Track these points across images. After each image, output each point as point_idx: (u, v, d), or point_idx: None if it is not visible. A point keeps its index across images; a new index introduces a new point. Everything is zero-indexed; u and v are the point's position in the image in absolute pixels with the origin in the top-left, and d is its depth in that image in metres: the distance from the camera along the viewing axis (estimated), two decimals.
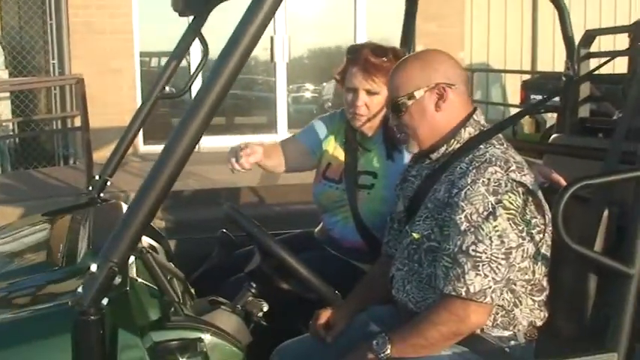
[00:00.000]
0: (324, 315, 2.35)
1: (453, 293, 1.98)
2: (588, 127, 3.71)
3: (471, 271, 1.96)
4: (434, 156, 2.20)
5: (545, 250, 2.11)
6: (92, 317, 1.70)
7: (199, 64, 3.33)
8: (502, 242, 1.97)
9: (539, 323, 2.15)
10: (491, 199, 1.98)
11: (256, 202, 6.68)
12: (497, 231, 1.97)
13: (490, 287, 1.97)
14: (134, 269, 2.08)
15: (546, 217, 2.09)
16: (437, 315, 2.01)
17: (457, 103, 2.18)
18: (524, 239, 2.02)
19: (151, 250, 2.08)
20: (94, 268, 1.70)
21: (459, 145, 2.16)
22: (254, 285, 2.22)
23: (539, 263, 2.11)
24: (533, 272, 2.10)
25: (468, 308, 1.98)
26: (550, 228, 2.10)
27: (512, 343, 2.10)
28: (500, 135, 2.18)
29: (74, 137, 8.65)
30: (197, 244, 3.16)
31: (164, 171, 1.70)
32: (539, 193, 2.08)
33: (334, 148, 3.06)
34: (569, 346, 2.09)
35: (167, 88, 3.16)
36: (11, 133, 8.74)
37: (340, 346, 2.29)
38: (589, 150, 2.85)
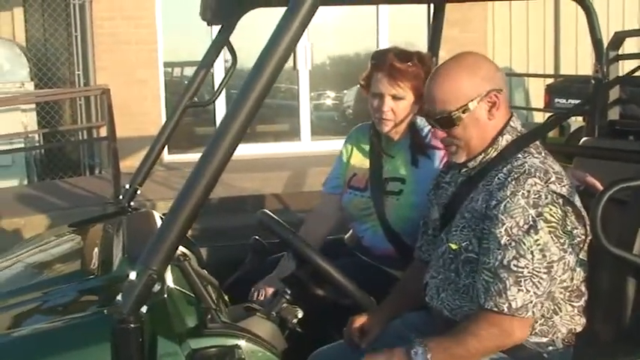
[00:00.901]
0: (359, 321, 2.34)
1: (495, 309, 1.96)
2: (618, 130, 3.69)
3: (513, 287, 1.94)
4: (471, 164, 2.15)
5: (582, 256, 2.09)
6: (132, 325, 1.70)
7: (227, 72, 3.35)
8: (544, 256, 1.95)
9: (578, 329, 2.13)
10: (532, 211, 1.95)
11: (281, 209, 6.68)
12: (539, 245, 1.94)
13: (532, 302, 1.95)
14: (170, 277, 2.09)
15: (586, 225, 2.05)
16: (480, 328, 1.98)
17: (504, 109, 2.14)
18: (565, 252, 1.99)
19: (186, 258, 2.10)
20: (133, 275, 1.70)
21: (496, 153, 2.12)
22: (289, 291, 2.22)
23: (578, 269, 2.09)
24: (572, 279, 2.08)
25: (512, 324, 1.96)
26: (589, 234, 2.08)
27: (551, 348, 2.09)
28: (537, 143, 2.14)
29: (100, 147, 8.71)
30: (229, 252, 3.17)
31: (202, 179, 1.71)
32: (578, 202, 2.05)
33: (357, 158, 3.07)
34: (607, 351, 2.07)
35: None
36: (37, 144, 8.81)
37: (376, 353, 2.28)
38: (626, 152, 2.81)
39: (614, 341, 2.06)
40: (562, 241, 1.98)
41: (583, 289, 2.12)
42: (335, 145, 7.20)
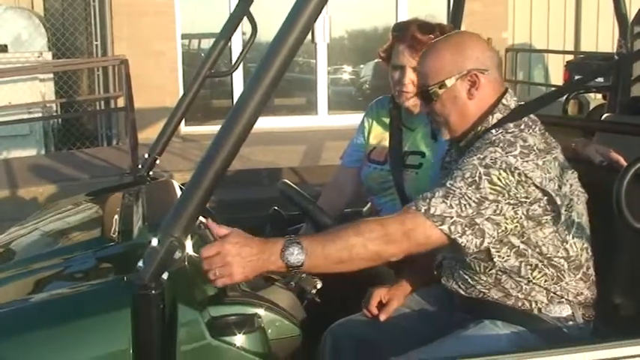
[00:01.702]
0: (378, 293, 2.35)
1: (413, 207, 1.94)
2: None
3: (440, 198, 1.93)
4: (462, 144, 2.15)
5: (577, 229, 2.07)
6: (153, 291, 1.72)
7: (247, 43, 3.33)
8: (477, 189, 1.93)
9: (586, 293, 2.11)
10: (481, 169, 1.94)
11: (298, 182, 6.68)
12: (474, 188, 1.93)
13: (451, 217, 1.92)
14: (190, 245, 2.09)
15: (556, 203, 2.00)
16: (381, 221, 1.95)
17: (489, 89, 2.12)
18: (502, 201, 1.94)
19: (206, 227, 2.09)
20: (154, 242, 1.71)
21: (484, 130, 2.10)
22: None
23: (571, 242, 2.06)
24: (566, 250, 2.06)
25: (416, 220, 1.92)
26: (577, 207, 2.06)
27: (571, 323, 2.08)
28: (529, 117, 2.10)
29: (117, 118, 8.74)
30: (248, 222, 3.17)
31: (223, 149, 1.71)
32: (552, 185, 1.99)
33: (377, 131, 3.05)
34: (628, 326, 2.06)
35: None
36: (55, 114, 8.84)
37: (394, 326, 2.28)
38: None
39: (636, 317, 2.05)
40: (507, 201, 1.94)
41: (583, 260, 2.10)
42: (351, 119, 7.18)
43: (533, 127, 2.08)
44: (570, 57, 10.10)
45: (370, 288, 2.37)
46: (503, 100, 2.12)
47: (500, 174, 1.94)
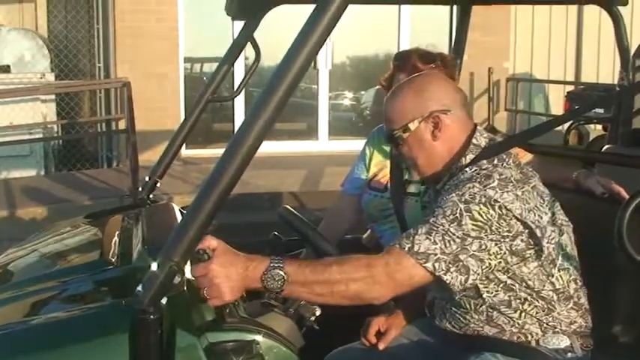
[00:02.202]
0: (377, 322, 2.34)
1: (397, 246, 1.92)
2: None
3: (423, 235, 1.91)
4: (439, 186, 2.13)
5: (563, 260, 2.05)
6: (151, 316, 1.70)
7: (250, 68, 3.35)
8: (459, 226, 1.91)
9: (579, 321, 2.09)
10: (462, 206, 1.92)
11: (298, 207, 6.68)
12: (457, 225, 1.91)
13: (436, 254, 1.89)
14: (190, 270, 2.08)
15: (536, 236, 1.98)
16: (364, 258, 1.91)
17: (455, 129, 2.10)
18: (485, 238, 1.92)
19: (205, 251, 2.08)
20: (154, 267, 1.70)
21: (459, 171, 2.09)
22: None
23: (557, 275, 2.05)
24: (552, 283, 2.04)
25: (401, 260, 1.89)
26: (561, 238, 2.04)
27: (569, 355, 2.07)
28: (508, 152, 2.10)
29: (118, 140, 8.75)
30: (247, 247, 3.16)
31: (225, 174, 1.70)
32: (532, 216, 1.97)
33: (378, 159, 3.05)
34: (626, 355, 2.04)
35: None
36: (55, 135, 8.86)
37: (393, 356, 2.27)
38: None
39: (633, 346, 2.04)
40: (490, 237, 1.93)
41: (571, 291, 2.08)
42: (352, 145, 7.20)
43: (507, 159, 2.06)
44: (571, 87, 10.14)
45: (369, 317, 2.35)
46: (474, 140, 2.11)
47: (480, 209, 1.92)
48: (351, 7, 1.77)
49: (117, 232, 2.72)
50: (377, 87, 2.88)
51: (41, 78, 8.43)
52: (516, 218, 1.94)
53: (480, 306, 2.06)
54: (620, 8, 3.27)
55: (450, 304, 2.14)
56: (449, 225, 1.91)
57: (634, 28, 9.58)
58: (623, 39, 3.36)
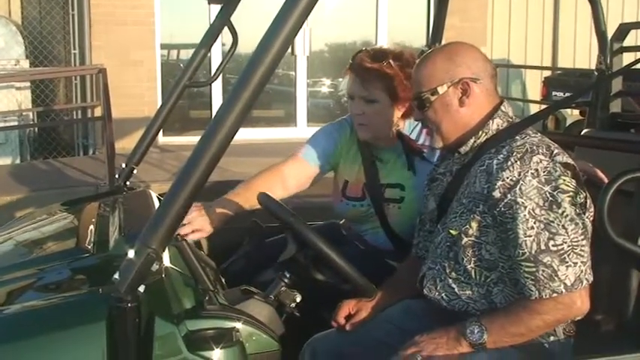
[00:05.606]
0: (347, 305, 2.34)
1: (555, 294, 1.93)
2: (619, 123, 3.67)
3: (561, 266, 1.92)
4: (463, 149, 2.16)
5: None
6: (129, 304, 1.68)
7: (228, 53, 3.31)
8: (576, 224, 1.94)
9: None
10: (547, 188, 1.93)
11: None
12: (567, 216, 1.93)
13: (582, 271, 1.93)
14: (167, 257, 2.06)
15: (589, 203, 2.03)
16: (541, 305, 1.95)
17: (482, 98, 2.14)
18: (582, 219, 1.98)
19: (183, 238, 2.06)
20: (131, 254, 1.67)
21: (486, 137, 2.12)
22: (288, 275, 2.19)
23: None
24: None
25: (572, 298, 1.94)
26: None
27: (552, 338, 2.07)
28: (531, 128, 2.13)
29: (94, 127, 8.66)
30: (226, 234, 3.13)
31: (202, 160, 1.68)
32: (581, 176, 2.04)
33: (348, 163, 2.88)
34: (608, 343, 2.05)
35: None
36: (31, 123, 8.75)
37: (373, 339, 2.26)
38: (632, 143, 2.77)
39: (617, 334, 2.04)
40: (577, 211, 1.96)
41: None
42: None
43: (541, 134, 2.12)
44: (548, 73, 10.18)
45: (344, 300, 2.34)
46: (502, 108, 2.15)
47: (564, 180, 1.95)
48: None
49: (93, 220, 2.68)
50: None
51: (15, 65, 8.31)
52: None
53: (488, 279, 2.06)
54: None
55: (451, 274, 2.12)
56: (560, 219, 1.92)
57: (610, 13, 9.63)
58: (600, 23, 3.38)
